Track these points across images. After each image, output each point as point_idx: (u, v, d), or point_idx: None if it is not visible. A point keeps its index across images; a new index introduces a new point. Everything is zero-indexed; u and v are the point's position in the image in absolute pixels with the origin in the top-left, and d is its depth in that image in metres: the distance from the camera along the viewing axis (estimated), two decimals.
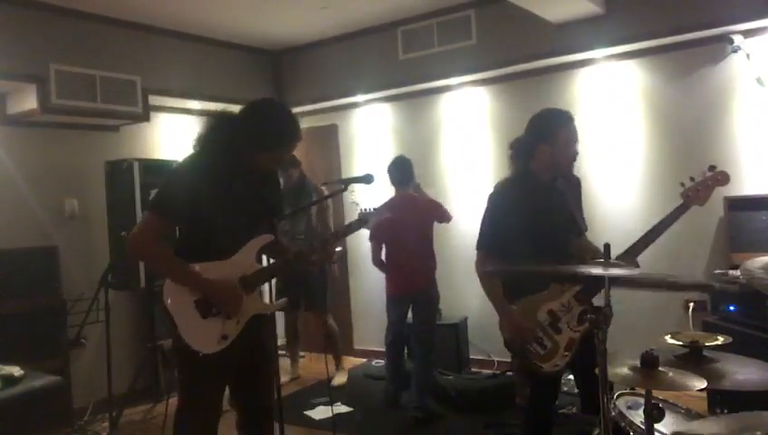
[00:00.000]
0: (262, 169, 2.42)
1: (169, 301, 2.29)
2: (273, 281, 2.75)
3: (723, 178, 2.63)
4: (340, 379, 5.12)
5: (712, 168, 2.65)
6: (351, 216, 5.28)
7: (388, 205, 4.30)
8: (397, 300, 4.38)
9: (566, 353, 2.57)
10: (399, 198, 4.32)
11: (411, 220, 4.21)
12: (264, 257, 2.56)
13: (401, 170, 4.34)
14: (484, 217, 2.80)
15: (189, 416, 2.33)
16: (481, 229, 2.81)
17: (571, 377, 3.44)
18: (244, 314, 2.33)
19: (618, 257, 2.47)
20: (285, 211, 3.25)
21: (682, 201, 2.60)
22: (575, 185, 2.89)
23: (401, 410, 4.32)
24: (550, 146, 2.67)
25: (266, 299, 2.68)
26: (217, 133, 2.33)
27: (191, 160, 2.36)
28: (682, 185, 2.63)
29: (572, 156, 2.72)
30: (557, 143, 2.66)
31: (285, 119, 2.36)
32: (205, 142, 2.34)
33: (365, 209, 2.62)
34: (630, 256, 2.55)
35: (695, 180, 2.62)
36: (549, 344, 2.60)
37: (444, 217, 4.39)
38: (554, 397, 2.80)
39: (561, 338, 2.58)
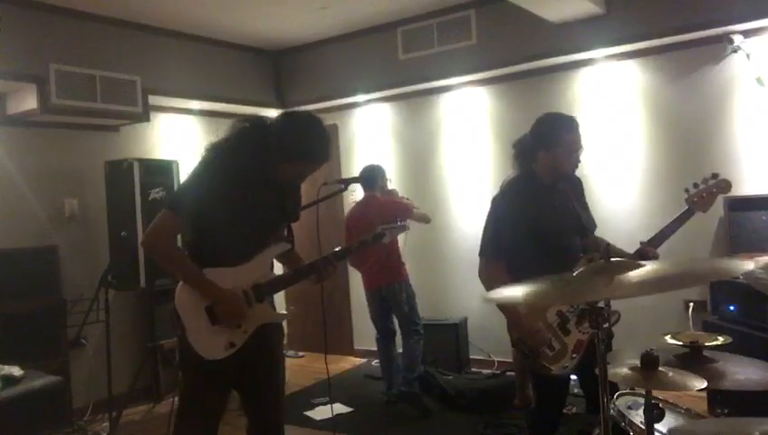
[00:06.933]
0: (283, 180, 2.37)
1: (180, 303, 2.26)
2: None
3: (726, 187, 2.64)
4: None
5: (714, 175, 2.65)
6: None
7: (354, 207, 4.55)
8: (368, 296, 4.57)
9: (574, 356, 2.53)
10: (362, 200, 4.53)
11: (367, 219, 4.24)
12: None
13: (364, 175, 4.47)
14: (487, 221, 2.74)
15: (189, 419, 2.31)
16: (483, 235, 2.74)
17: (574, 377, 3.44)
18: (252, 323, 2.29)
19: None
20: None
21: (687, 206, 2.61)
22: (576, 184, 2.85)
23: (399, 409, 4.33)
24: (552, 153, 2.61)
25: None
26: (248, 137, 2.29)
27: (213, 161, 2.28)
28: (686, 191, 2.63)
29: (575, 163, 2.67)
30: (559, 150, 2.61)
31: (318, 135, 2.30)
32: (232, 145, 2.28)
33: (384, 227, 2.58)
34: (636, 259, 2.52)
35: (698, 187, 2.63)
36: (557, 346, 2.54)
37: (404, 213, 4.32)
38: (562, 399, 2.75)
39: (570, 340, 2.54)
